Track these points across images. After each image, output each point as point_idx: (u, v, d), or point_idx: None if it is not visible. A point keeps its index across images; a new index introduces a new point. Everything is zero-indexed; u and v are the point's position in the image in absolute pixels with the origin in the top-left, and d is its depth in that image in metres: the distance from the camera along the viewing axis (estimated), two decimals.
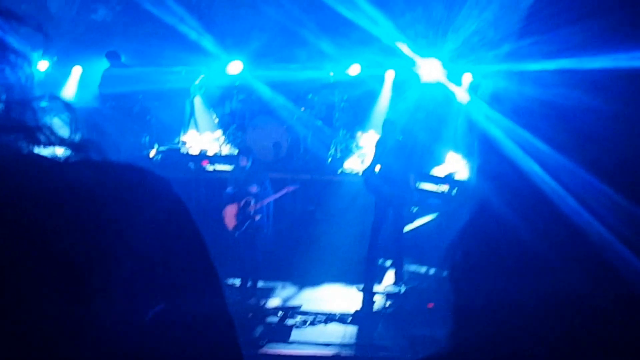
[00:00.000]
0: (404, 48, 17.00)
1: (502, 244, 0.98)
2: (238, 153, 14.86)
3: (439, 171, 15.98)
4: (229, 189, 13.85)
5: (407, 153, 13.82)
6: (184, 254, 1.11)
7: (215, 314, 1.14)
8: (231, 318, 1.15)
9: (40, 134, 1.07)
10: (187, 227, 1.13)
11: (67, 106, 1.12)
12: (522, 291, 0.94)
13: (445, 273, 1.12)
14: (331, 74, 18.20)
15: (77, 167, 1.06)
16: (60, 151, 1.08)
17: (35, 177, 1.00)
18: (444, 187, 15.42)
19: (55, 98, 1.11)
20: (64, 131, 1.10)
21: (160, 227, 1.07)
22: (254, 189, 13.59)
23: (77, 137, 1.10)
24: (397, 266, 14.03)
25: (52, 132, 1.08)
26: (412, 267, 14.04)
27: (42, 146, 1.06)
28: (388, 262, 14.49)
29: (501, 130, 1.02)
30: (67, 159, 1.08)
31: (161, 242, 1.06)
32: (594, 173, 0.87)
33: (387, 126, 14.23)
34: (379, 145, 14.25)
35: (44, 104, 1.09)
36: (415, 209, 15.15)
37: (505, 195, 1.00)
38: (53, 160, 1.06)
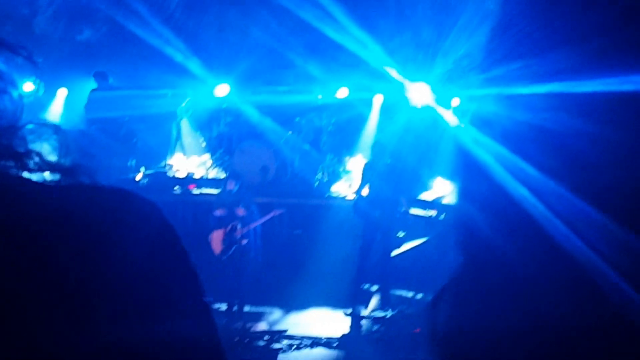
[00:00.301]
0: (393, 72, 17.05)
1: (491, 268, 0.98)
2: (225, 177, 14.87)
3: (427, 196, 16.00)
4: (216, 213, 13.82)
5: (396, 176, 13.85)
6: (174, 277, 1.09)
7: (205, 337, 1.12)
8: (220, 342, 1.13)
9: (30, 159, 1.07)
10: (177, 251, 1.11)
11: (56, 131, 1.11)
12: (510, 315, 0.94)
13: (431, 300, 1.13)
14: (319, 96, 18.23)
15: (67, 191, 1.06)
16: (49, 176, 1.08)
17: (23, 201, 0.99)
18: (432, 212, 15.44)
19: (44, 123, 1.11)
20: (53, 156, 1.09)
21: (149, 251, 1.06)
22: (240, 211, 13.58)
23: (67, 162, 1.10)
24: (385, 290, 14.04)
25: (41, 158, 1.08)
26: (400, 292, 14.05)
27: (31, 171, 1.06)
28: (375, 287, 14.46)
29: (490, 154, 1.01)
30: (56, 183, 1.08)
31: (150, 266, 1.05)
32: (583, 197, 0.87)
33: (377, 149, 14.26)
34: (367, 168, 14.27)
35: (32, 129, 1.09)
36: (402, 234, 15.14)
37: (494, 220, 0.99)
38: (42, 185, 1.06)
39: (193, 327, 1.10)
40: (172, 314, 1.07)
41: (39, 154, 1.08)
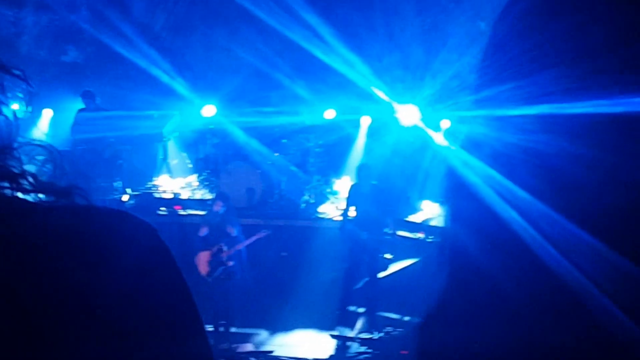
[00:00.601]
0: (381, 93, 17.10)
1: (479, 290, 0.98)
2: (212, 198, 14.87)
3: (415, 218, 16.02)
4: (201, 232, 13.82)
5: (383, 198, 13.87)
6: (169, 299, 1.08)
7: (200, 359, 1.11)
8: None
9: (24, 180, 1.06)
10: (171, 272, 1.11)
11: (51, 151, 1.12)
12: (498, 337, 0.94)
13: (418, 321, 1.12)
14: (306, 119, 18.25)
15: (61, 212, 1.05)
16: (44, 197, 1.08)
17: (16, 222, 0.99)
18: (420, 234, 15.45)
19: (38, 144, 1.11)
20: (47, 176, 1.10)
21: (143, 272, 1.05)
22: (227, 232, 13.59)
23: (61, 183, 1.10)
24: (372, 312, 14.03)
25: (36, 179, 1.07)
26: (387, 314, 14.03)
27: (26, 192, 1.06)
28: (362, 309, 14.45)
29: (479, 176, 1.01)
30: (51, 204, 1.07)
31: (145, 287, 1.04)
32: (572, 219, 0.87)
33: (363, 171, 14.27)
34: (353, 190, 14.29)
35: (27, 149, 1.09)
36: (390, 256, 15.15)
37: (484, 243, 0.98)
38: (36, 206, 1.05)
39: (188, 348, 1.09)
40: (166, 336, 1.06)
41: (33, 175, 1.08)
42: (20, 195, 1.06)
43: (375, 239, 13.83)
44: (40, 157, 1.12)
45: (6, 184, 1.05)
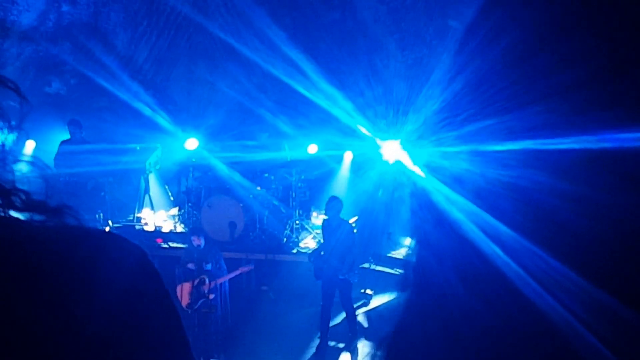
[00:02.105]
0: (363, 129, 17.13)
1: (464, 328, 0.97)
2: (192, 232, 14.84)
3: (396, 254, 16.00)
4: (188, 265, 13.78)
5: (366, 233, 13.82)
6: (156, 320, 1.11)
7: None
8: None
9: (16, 197, 1.09)
10: (160, 295, 1.14)
11: (44, 170, 1.17)
12: None
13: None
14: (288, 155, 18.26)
15: (52, 233, 1.06)
16: (36, 216, 1.10)
17: (7, 243, 1.00)
18: (401, 270, 15.40)
19: (32, 161, 1.18)
20: (39, 195, 1.12)
21: (133, 294, 1.08)
22: (208, 266, 13.55)
23: (53, 202, 1.12)
24: (352, 347, 13.90)
25: (28, 196, 1.10)
26: (367, 349, 13.83)
27: (18, 210, 1.08)
28: (342, 344, 14.36)
29: (462, 212, 1.01)
30: (42, 223, 1.09)
31: (133, 308, 1.07)
32: (556, 255, 0.86)
33: (331, 205, 14.21)
34: (323, 225, 14.29)
35: (20, 167, 1.12)
36: (371, 292, 15.13)
37: (466, 279, 0.98)
38: (27, 225, 1.07)
39: None
40: (154, 356, 1.08)
41: (26, 193, 1.10)
42: (11, 213, 1.08)
43: (343, 274, 13.77)
44: (34, 175, 1.14)
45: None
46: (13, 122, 1.17)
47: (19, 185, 1.11)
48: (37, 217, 1.10)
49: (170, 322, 1.15)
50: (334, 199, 14.41)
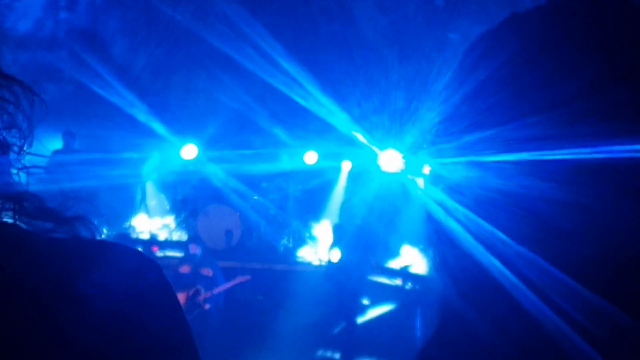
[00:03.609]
0: (361, 138, 17.17)
1: (461, 337, 0.98)
2: (188, 240, 14.85)
3: (394, 264, 16.02)
4: (184, 270, 13.80)
5: (363, 242, 13.86)
6: (169, 336, 1.10)
7: None
8: None
9: (29, 203, 1.07)
10: (173, 310, 1.13)
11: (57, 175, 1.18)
12: None
13: None
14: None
15: (62, 245, 1.05)
16: (47, 225, 1.09)
17: (15, 256, 0.99)
18: (398, 281, 15.44)
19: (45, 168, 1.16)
20: (52, 203, 1.11)
21: (146, 309, 1.06)
22: (207, 272, 13.55)
23: (66, 212, 1.11)
24: (349, 358, 13.93)
25: (41, 203, 1.09)
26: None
27: (29, 217, 1.07)
28: (338, 354, 14.38)
29: (461, 222, 1.01)
30: (52, 234, 1.07)
31: (147, 323, 1.06)
32: (555, 265, 0.87)
33: (346, 210, 14.24)
34: (336, 229, 14.29)
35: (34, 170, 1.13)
36: (367, 302, 15.14)
37: (465, 288, 0.99)
38: (36, 238, 1.04)
39: None
40: None
41: (39, 199, 1.09)
42: (22, 218, 1.07)
43: (358, 283, 13.80)
44: (47, 182, 1.15)
45: (9, 205, 1.06)
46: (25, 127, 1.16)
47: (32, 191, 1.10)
48: (48, 226, 1.09)
49: (181, 339, 1.15)
50: (347, 202, 14.44)
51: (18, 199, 1.07)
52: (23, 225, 1.08)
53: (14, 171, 1.12)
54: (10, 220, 1.07)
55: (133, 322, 1.04)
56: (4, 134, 1.13)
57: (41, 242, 1.04)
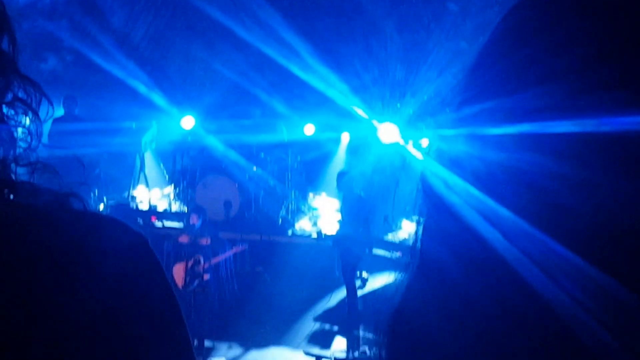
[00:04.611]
0: (360, 111, 17.17)
1: (462, 314, 0.96)
2: (188, 211, 14.86)
3: (393, 237, 16.05)
4: (183, 240, 13.96)
5: (363, 214, 13.89)
6: (155, 309, 1.11)
7: None
8: None
9: (23, 188, 1.12)
10: (160, 284, 1.13)
11: (48, 161, 1.17)
12: (480, 358, 0.93)
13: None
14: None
15: (55, 217, 1.06)
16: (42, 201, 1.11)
17: (15, 225, 1.02)
18: (398, 254, 15.49)
19: (38, 158, 1.17)
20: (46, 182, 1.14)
21: (132, 281, 1.07)
22: (204, 245, 13.60)
23: (60, 189, 1.13)
24: (348, 331, 13.99)
25: (34, 186, 1.13)
26: (362, 333, 13.91)
27: (25, 198, 1.11)
28: (337, 327, 14.48)
29: (460, 195, 0.99)
30: (48, 208, 1.09)
31: (133, 296, 1.07)
32: (558, 240, 0.84)
33: (344, 182, 14.27)
34: (342, 200, 14.40)
35: (27, 159, 1.16)
36: (366, 275, 15.19)
37: (465, 263, 0.96)
38: (33, 210, 1.07)
39: (173, 358, 1.11)
40: (153, 345, 1.08)
41: (31, 184, 1.13)
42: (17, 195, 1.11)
43: (356, 256, 13.85)
44: (39, 166, 1.16)
45: (6, 190, 1.10)
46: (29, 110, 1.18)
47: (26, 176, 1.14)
48: (42, 200, 1.11)
49: (168, 312, 1.14)
50: (343, 174, 14.46)
51: (13, 186, 1.10)
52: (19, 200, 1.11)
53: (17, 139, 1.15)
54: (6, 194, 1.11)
55: (119, 298, 1.04)
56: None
57: (33, 214, 1.05)
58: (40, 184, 1.14)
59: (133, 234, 1.12)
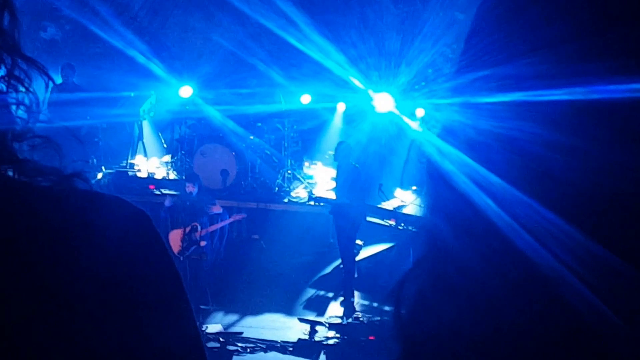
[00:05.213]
0: (356, 81, 17.08)
1: (456, 280, 0.96)
2: (185, 179, 14.85)
3: (387, 205, 16.01)
4: (167, 202, 14.14)
5: (359, 183, 13.89)
6: (158, 283, 1.13)
7: (188, 339, 1.17)
8: (202, 344, 1.19)
9: (27, 165, 1.10)
10: (162, 259, 1.15)
11: (50, 139, 1.14)
12: (476, 325, 0.93)
13: (390, 307, 1.11)
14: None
15: (59, 196, 1.08)
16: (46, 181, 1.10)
17: (20, 204, 1.03)
18: (391, 221, 15.45)
19: (39, 134, 1.14)
20: (49, 162, 1.12)
21: (135, 257, 1.09)
22: (204, 210, 13.69)
23: (63, 168, 1.11)
24: (344, 297, 14.10)
25: (37, 164, 1.10)
26: (356, 300, 14.03)
27: (28, 177, 1.09)
28: (331, 293, 14.53)
29: (455, 164, 0.99)
30: (51, 186, 1.09)
31: (136, 271, 1.08)
32: (549, 207, 0.85)
33: (341, 152, 14.25)
34: (337, 170, 14.38)
35: (30, 137, 1.12)
36: (361, 242, 15.19)
37: (459, 231, 0.97)
38: (36, 188, 1.08)
39: (176, 329, 1.14)
40: (156, 317, 1.10)
41: (34, 162, 1.10)
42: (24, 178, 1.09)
43: (352, 224, 13.89)
44: (42, 145, 1.14)
45: (9, 168, 1.09)
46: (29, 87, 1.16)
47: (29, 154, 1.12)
48: (47, 182, 1.10)
49: (171, 286, 1.17)
50: (342, 143, 14.43)
51: (16, 163, 1.10)
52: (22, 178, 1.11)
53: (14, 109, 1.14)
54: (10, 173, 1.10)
55: (122, 272, 1.06)
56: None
57: (36, 193, 1.07)
58: (43, 160, 1.13)
59: (135, 210, 1.13)
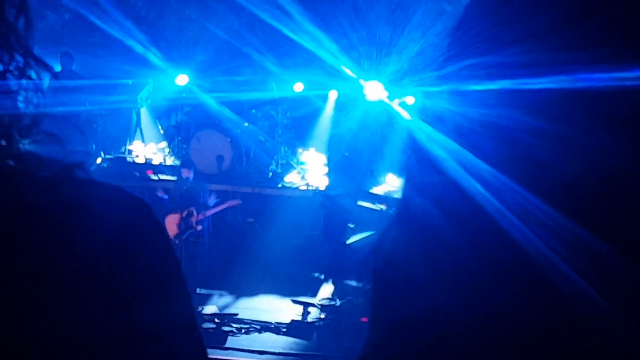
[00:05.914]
0: (347, 70, 17.18)
1: (444, 261, 0.98)
2: (181, 164, 15.14)
3: (378, 190, 16.09)
4: (161, 194, 14.34)
5: (352, 170, 14.08)
6: (158, 270, 1.14)
7: (185, 323, 1.18)
8: (198, 327, 1.21)
9: (28, 157, 1.10)
10: (162, 246, 1.17)
11: (54, 135, 1.14)
12: (462, 308, 0.95)
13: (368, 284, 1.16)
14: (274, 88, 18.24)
15: (59, 184, 1.08)
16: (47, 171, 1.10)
17: (19, 192, 1.04)
18: (382, 206, 15.55)
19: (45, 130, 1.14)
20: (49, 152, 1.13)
21: (130, 238, 1.10)
22: (201, 195, 13.93)
23: (63, 158, 1.12)
24: (335, 280, 14.29)
25: (38, 156, 1.10)
26: (348, 282, 14.08)
27: (29, 168, 1.09)
28: (323, 276, 14.75)
29: (444, 150, 1.02)
30: (53, 176, 1.09)
31: (137, 258, 1.10)
32: (535, 193, 0.87)
33: (334, 142, 14.42)
34: (328, 159, 14.64)
35: (31, 129, 1.12)
36: (352, 225, 15.45)
37: (449, 215, 0.99)
38: (36, 177, 1.08)
39: (172, 313, 1.14)
40: (151, 300, 1.10)
41: (35, 154, 1.10)
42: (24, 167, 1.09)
43: (345, 210, 14.16)
44: (42, 137, 1.13)
45: (11, 162, 1.08)
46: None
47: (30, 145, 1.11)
48: (48, 171, 1.10)
49: (170, 272, 1.17)
50: (334, 135, 14.59)
51: (17, 156, 1.09)
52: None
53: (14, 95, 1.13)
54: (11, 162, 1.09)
55: (119, 257, 1.07)
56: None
57: (34, 181, 1.07)
58: (44, 151, 1.11)
59: (133, 198, 1.15)
